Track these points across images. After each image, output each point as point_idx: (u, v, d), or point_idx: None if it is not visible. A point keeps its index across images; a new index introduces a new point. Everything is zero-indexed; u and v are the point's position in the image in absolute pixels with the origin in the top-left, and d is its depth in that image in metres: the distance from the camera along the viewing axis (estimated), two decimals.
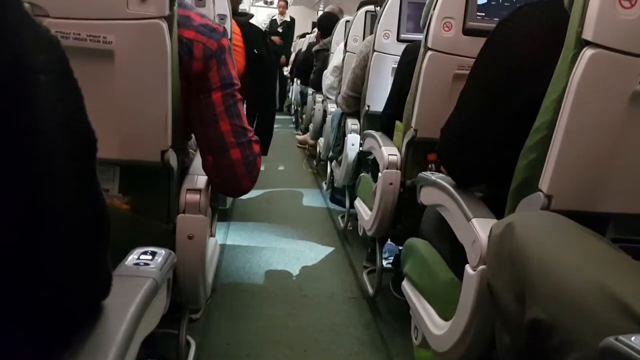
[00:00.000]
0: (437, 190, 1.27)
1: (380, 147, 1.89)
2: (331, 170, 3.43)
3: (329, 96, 3.63)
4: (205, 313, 1.96)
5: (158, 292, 0.78)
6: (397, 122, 1.91)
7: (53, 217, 0.49)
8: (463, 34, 1.53)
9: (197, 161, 1.33)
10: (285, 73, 8.05)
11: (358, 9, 3.39)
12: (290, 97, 7.77)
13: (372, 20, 3.04)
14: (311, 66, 4.79)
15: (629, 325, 0.64)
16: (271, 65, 2.73)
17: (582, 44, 0.86)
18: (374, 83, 2.52)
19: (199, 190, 1.23)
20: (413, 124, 1.69)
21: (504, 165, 1.05)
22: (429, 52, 1.58)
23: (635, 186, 0.96)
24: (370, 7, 3.21)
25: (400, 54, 2.06)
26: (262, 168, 1.40)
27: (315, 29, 5.74)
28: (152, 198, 1.20)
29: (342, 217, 3.10)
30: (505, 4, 1.48)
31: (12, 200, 0.44)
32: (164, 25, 1.03)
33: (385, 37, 2.43)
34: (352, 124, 2.78)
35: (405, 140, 1.77)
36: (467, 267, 1.03)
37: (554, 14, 0.96)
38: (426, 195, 1.38)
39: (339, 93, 3.08)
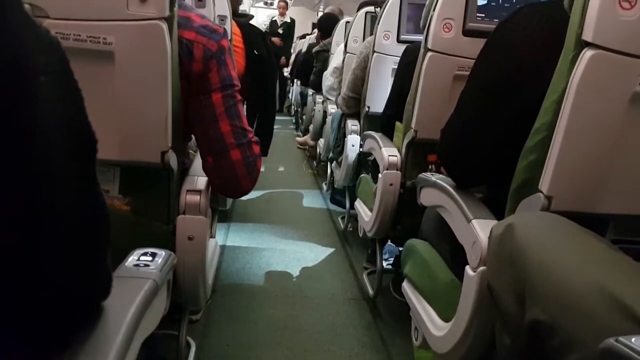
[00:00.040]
0: (437, 191, 1.27)
1: (380, 148, 1.89)
2: (331, 171, 3.43)
3: (329, 97, 3.63)
4: (206, 314, 1.96)
5: (158, 293, 0.78)
6: (397, 123, 1.91)
7: (53, 217, 0.49)
8: (463, 35, 1.53)
9: (197, 162, 1.33)
10: (286, 74, 8.06)
11: (358, 10, 3.39)
12: (290, 98, 7.77)
13: (372, 21, 3.04)
14: (311, 67, 4.79)
15: (629, 326, 0.64)
16: (271, 66, 2.73)
17: (582, 45, 0.86)
18: (374, 84, 2.52)
19: (199, 191, 1.23)
20: (413, 125, 1.69)
21: (504, 166, 1.05)
22: (429, 53, 1.58)
23: (635, 187, 0.96)
24: (370, 8, 3.22)
25: (400, 54, 2.06)
26: (262, 169, 1.40)
27: (316, 30, 5.74)
28: (152, 199, 1.20)
29: (342, 218, 3.10)
30: (505, 5, 1.48)
31: (12, 200, 0.44)
32: (164, 26, 1.03)
33: (385, 38, 2.43)
34: (352, 125, 2.78)
35: (406, 141, 1.77)
36: (467, 268, 1.03)
37: (554, 15, 0.96)
38: (426, 196, 1.38)
39: (339, 94, 3.08)
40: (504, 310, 0.83)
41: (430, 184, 1.32)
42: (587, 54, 0.85)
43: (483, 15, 1.50)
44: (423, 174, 1.41)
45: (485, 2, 1.49)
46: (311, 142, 4.81)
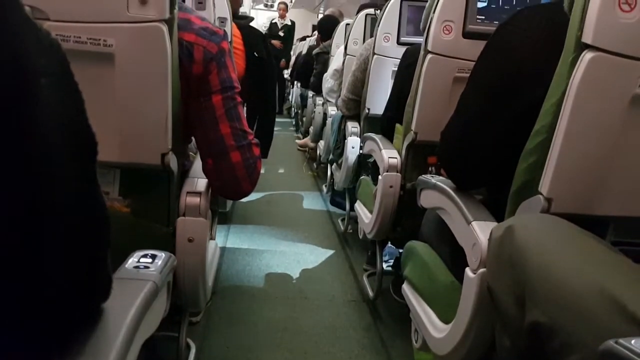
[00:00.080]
0: (437, 193, 1.27)
1: (380, 150, 1.90)
2: (331, 173, 3.43)
3: (329, 99, 3.63)
4: (206, 316, 1.96)
5: (158, 295, 0.78)
6: (397, 125, 1.91)
7: (53, 217, 0.49)
8: (463, 37, 1.54)
9: (197, 164, 1.33)
10: (286, 76, 8.07)
11: (358, 12, 3.39)
12: (290, 100, 7.77)
13: (372, 23, 3.04)
14: (311, 69, 4.80)
15: (629, 328, 0.64)
16: (271, 68, 2.73)
17: (582, 47, 0.86)
18: (374, 86, 2.52)
19: (199, 193, 1.23)
20: (413, 127, 1.69)
21: (504, 168, 1.05)
22: (429, 55, 1.58)
23: (635, 189, 0.96)
24: (371, 10, 3.22)
25: (400, 57, 2.07)
26: (262, 171, 1.40)
27: (316, 32, 5.75)
28: (152, 201, 1.20)
29: (343, 219, 3.10)
30: (505, 7, 1.48)
31: (12, 200, 0.44)
32: (164, 28, 1.03)
33: (386, 40, 2.44)
34: (352, 126, 2.78)
35: (406, 143, 1.77)
36: (467, 270, 1.03)
37: (553, 17, 0.96)
38: (426, 198, 1.38)
39: (339, 96, 3.08)
40: (504, 312, 0.83)
41: (430, 186, 1.32)
42: (587, 56, 0.85)
43: (483, 17, 1.50)
44: (423, 176, 1.41)
45: (485, 4, 1.49)
46: (311, 144, 4.81)
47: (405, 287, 1.43)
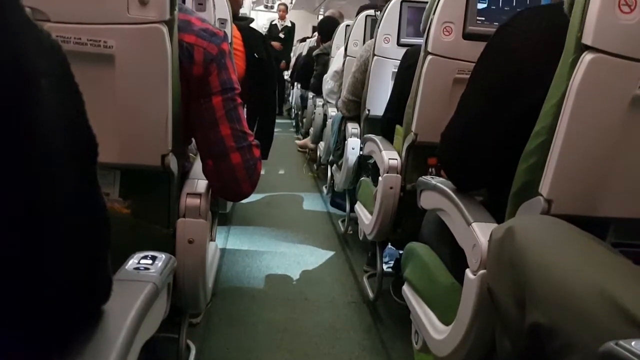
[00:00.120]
0: (437, 194, 1.27)
1: (380, 151, 1.90)
2: (331, 174, 3.43)
3: (329, 100, 3.64)
4: (206, 317, 1.96)
5: (158, 297, 0.78)
6: (398, 126, 1.91)
7: (53, 217, 0.49)
8: (463, 38, 1.54)
9: (198, 165, 1.33)
10: (286, 77, 8.07)
11: (358, 13, 3.39)
12: (290, 101, 7.78)
13: (373, 24, 3.04)
14: (311, 70, 4.80)
15: (629, 329, 0.64)
16: (271, 69, 2.73)
17: (582, 48, 0.86)
18: (374, 87, 2.52)
19: (199, 195, 1.23)
20: (413, 128, 1.69)
21: (504, 170, 1.05)
22: (429, 57, 1.58)
23: (635, 190, 0.96)
24: (371, 12, 3.22)
25: (400, 58, 2.07)
26: (262, 172, 1.40)
27: (316, 33, 5.75)
28: (152, 202, 1.20)
29: (343, 221, 3.10)
30: (505, 8, 1.48)
31: (12, 200, 0.44)
32: (165, 29, 1.03)
33: (386, 42, 2.44)
34: (352, 128, 2.79)
35: (406, 145, 1.77)
36: (468, 272, 1.03)
37: (553, 18, 0.96)
38: (426, 200, 1.38)
39: (339, 97, 3.08)
40: (504, 314, 0.83)
41: (431, 187, 1.32)
42: (587, 57, 0.85)
43: (483, 18, 1.50)
44: (423, 177, 1.41)
45: (485, 5, 1.49)
46: (311, 145, 4.81)
47: (406, 288, 1.43)
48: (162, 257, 0.85)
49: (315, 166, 4.64)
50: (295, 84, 6.77)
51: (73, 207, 0.53)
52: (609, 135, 0.90)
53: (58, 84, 0.50)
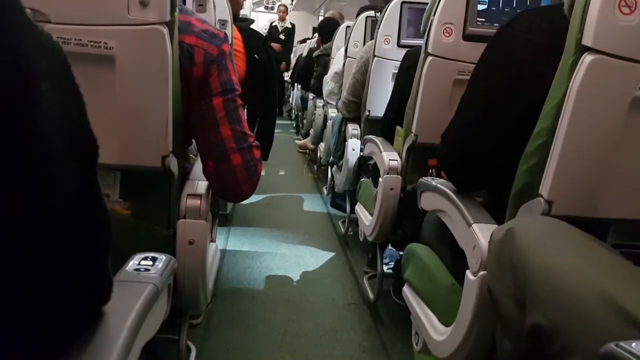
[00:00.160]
0: (437, 195, 1.27)
1: (380, 152, 1.90)
2: (332, 175, 3.43)
3: (330, 101, 3.64)
4: (206, 318, 1.96)
5: (159, 298, 0.78)
6: (398, 127, 1.91)
7: (53, 217, 0.49)
8: (463, 39, 1.54)
9: (198, 166, 1.33)
10: (286, 79, 8.07)
11: (358, 14, 3.40)
12: (291, 102, 7.78)
13: (373, 25, 3.04)
14: (312, 71, 4.80)
15: (629, 330, 0.64)
16: (272, 70, 2.74)
17: (582, 49, 0.86)
18: (374, 88, 2.52)
19: (199, 196, 1.23)
20: (413, 129, 1.69)
21: (504, 171, 1.05)
22: (429, 58, 1.58)
23: (635, 191, 0.96)
24: (371, 13, 3.22)
25: (400, 59, 2.07)
26: (262, 173, 1.40)
27: (316, 34, 5.75)
28: (152, 203, 1.20)
29: (343, 222, 3.10)
30: (506, 9, 1.48)
31: (12, 200, 0.44)
32: (165, 30, 1.03)
33: (386, 43, 2.44)
34: (352, 129, 2.78)
35: (406, 146, 1.77)
36: (468, 273, 1.03)
37: (554, 19, 0.96)
38: (427, 201, 1.38)
39: (340, 98, 3.08)
40: (504, 315, 0.83)
41: (431, 188, 1.32)
42: (587, 58, 0.85)
43: (483, 19, 1.50)
44: (423, 178, 1.41)
45: (486, 6, 1.49)
46: (311, 146, 4.81)
47: (406, 289, 1.43)
48: (162, 258, 0.85)
49: (315, 167, 4.64)
50: (296, 85, 6.78)
51: (73, 207, 0.53)
52: (609, 136, 0.90)
53: (59, 85, 0.50)
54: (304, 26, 11.42)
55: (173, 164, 1.14)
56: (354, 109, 2.81)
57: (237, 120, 1.24)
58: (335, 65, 3.58)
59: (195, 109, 1.21)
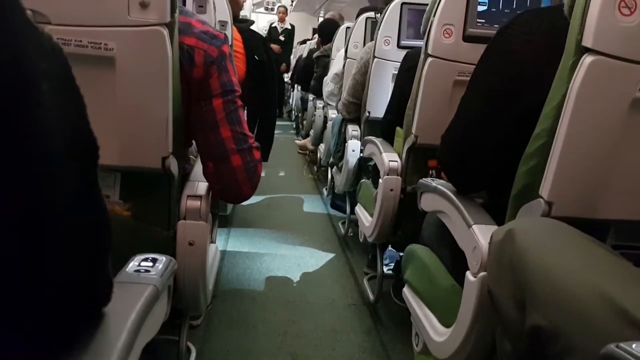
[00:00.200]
0: (437, 196, 1.27)
1: (380, 153, 1.90)
2: (332, 176, 3.43)
3: (330, 102, 3.64)
4: (206, 319, 1.96)
5: (159, 299, 0.78)
6: (398, 129, 1.91)
7: (53, 217, 0.49)
8: (463, 40, 1.54)
9: (198, 167, 1.33)
10: (286, 80, 8.07)
11: (358, 15, 3.40)
12: (291, 103, 7.78)
13: (373, 26, 3.05)
14: (312, 72, 4.80)
15: (629, 331, 0.64)
16: (272, 71, 2.74)
17: (582, 50, 0.86)
18: (374, 89, 2.52)
19: (199, 197, 1.23)
20: (413, 130, 1.69)
21: (504, 172, 1.05)
22: (429, 59, 1.58)
23: (635, 192, 0.96)
24: (371, 14, 3.23)
25: (400, 60, 2.07)
26: (262, 174, 1.40)
27: (316, 35, 5.76)
28: (152, 204, 1.20)
29: (343, 223, 3.10)
30: (506, 11, 1.48)
31: (12, 200, 0.44)
32: (165, 32, 1.03)
33: (386, 44, 2.44)
34: (352, 130, 2.79)
35: (406, 147, 1.77)
36: (468, 274, 1.03)
37: (554, 20, 0.96)
38: (427, 202, 1.38)
39: (340, 99, 3.08)
40: (504, 316, 0.83)
41: (431, 189, 1.32)
42: (587, 59, 0.86)
43: (483, 21, 1.50)
44: (423, 179, 1.41)
45: (486, 8, 1.49)
46: (311, 147, 4.81)
47: (406, 290, 1.43)
48: (162, 259, 0.85)
49: (315, 168, 4.64)
50: (296, 86, 6.78)
51: (73, 208, 0.53)
52: (609, 137, 0.90)
53: (59, 86, 0.50)
54: (303, 27, 11.43)
55: (173, 165, 1.14)
56: (354, 110, 2.81)
57: (237, 121, 1.24)
58: (335, 66, 3.58)
59: (195, 110, 1.21)
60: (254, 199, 3.25)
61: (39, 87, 0.46)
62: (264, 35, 5.91)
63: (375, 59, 2.47)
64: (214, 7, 1.95)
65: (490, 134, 1.09)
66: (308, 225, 3.23)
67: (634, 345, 0.53)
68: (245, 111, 2.54)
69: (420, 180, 1.43)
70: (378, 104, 2.49)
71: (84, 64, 1.00)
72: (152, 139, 1.10)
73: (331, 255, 2.74)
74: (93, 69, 1.03)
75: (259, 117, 2.68)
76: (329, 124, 3.48)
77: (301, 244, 2.87)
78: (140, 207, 1.19)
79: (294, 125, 7.38)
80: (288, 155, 5.41)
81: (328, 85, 3.63)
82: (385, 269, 2.09)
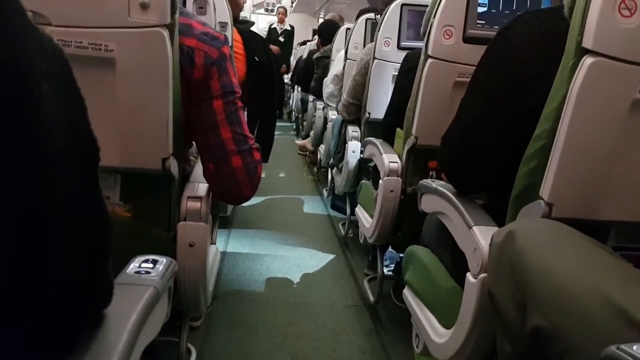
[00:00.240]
0: (438, 197, 1.27)
1: (381, 154, 1.90)
2: (332, 178, 3.43)
3: (330, 103, 3.64)
4: (206, 321, 1.96)
5: (159, 301, 0.78)
6: (398, 130, 1.91)
7: (53, 218, 0.49)
8: (463, 41, 1.54)
9: (198, 169, 1.33)
10: (286, 81, 8.08)
11: (358, 16, 3.40)
12: (291, 104, 7.79)
13: (373, 27, 3.04)
14: (312, 73, 4.81)
15: (630, 333, 0.64)
16: (272, 72, 2.74)
17: (582, 52, 0.86)
18: (374, 90, 2.52)
19: (199, 198, 1.23)
20: (414, 132, 1.69)
21: (504, 173, 1.05)
22: (429, 60, 1.58)
23: (636, 193, 0.96)
24: (371, 15, 3.22)
25: (400, 61, 2.07)
26: (262, 175, 1.40)
27: (316, 37, 5.76)
28: (153, 206, 1.20)
29: (343, 224, 3.10)
30: (506, 12, 1.48)
31: (12, 200, 0.44)
32: (165, 33, 1.03)
33: (386, 45, 2.44)
34: (352, 131, 2.78)
35: (406, 148, 1.77)
36: (468, 275, 1.03)
37: (554, 22, 0.96)
38: (427, 203, 1.38)
39: (340, 100, 3.08)
40: (504, 317, 0.83)
41: (431, 190, 1.32)
42: (587, 61, 0.86)
43: (483, 22, 1.50)
44: (424, 180, 1.42)
45: (486, 9, 1.49)
46: (310, 147, 4.81)
47: (406, 291, 1.43)
48: (163, 260, 0.85)
49: (315, 169, 4.64)
50: (296, 87, 6.78)
51: (73, 208, 0.53)
52: (609, 138, 0.90)
53: (60, 87, 0.50)
54: (303, 28, 11.44)
55: (173, 166, 1.14)
56: (354, 111, 2.81)
57: (238, 122, 1.24)
58: (335, 67, 3.58)
59: (195, 111, 1.21)
60: (254, 200, 3.25)
61: (40, 88, 0.46)
62: (264, 37, 5.91)
63: (376, 60, 2.47)
64: (214, 9, 1.95)
65: (490, 135, 1.09)
66: (308, 227, 3.22)
67: (635, 347, 0.53)
68: (246, 112, 2.54)
69: (421, 181, 1.43)
70: (378, 105, 2.49)
71: (85, 65, 1.00)
72: (153, 140, 1.11)
73: (331, 257, 2.73)
74: (93, 70, 1.03)
75: (259, 118, 2.68)
76: (329, 125, 3.48)
77: (301, 245, 2.87)
78: (141, 209, 1.19)
79: (294, 127, 7.37)
80: (288, 156, 5.41)
81: (328, 86, 3.63)
82: (385, 270, 2.09)
